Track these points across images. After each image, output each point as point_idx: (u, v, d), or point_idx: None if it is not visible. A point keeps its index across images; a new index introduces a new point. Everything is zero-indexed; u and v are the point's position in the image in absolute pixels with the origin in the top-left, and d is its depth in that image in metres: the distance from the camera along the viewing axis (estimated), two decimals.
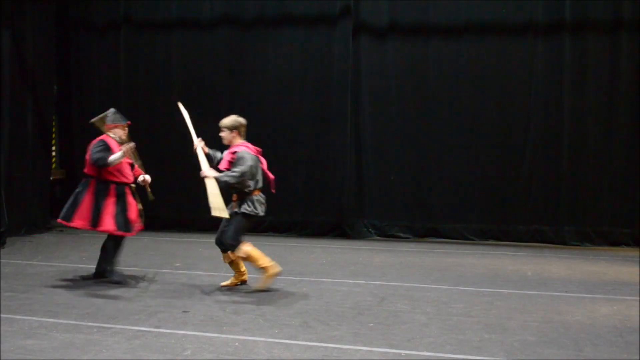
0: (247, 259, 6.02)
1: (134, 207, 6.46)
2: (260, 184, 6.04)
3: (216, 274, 6.88)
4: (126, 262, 7.56)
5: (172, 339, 4.62)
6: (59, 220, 6.36)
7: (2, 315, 5.10)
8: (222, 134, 6.16)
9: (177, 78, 10.28)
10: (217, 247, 6.25)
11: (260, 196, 6.05)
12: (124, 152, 6.14)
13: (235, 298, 5.89)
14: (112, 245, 6.40)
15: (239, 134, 6.14)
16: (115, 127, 6.45)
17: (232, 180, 5.86)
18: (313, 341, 4.62)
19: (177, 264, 7.50)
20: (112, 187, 6.31)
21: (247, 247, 5.99)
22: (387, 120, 9.71)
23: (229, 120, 6.18)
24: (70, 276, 6.72)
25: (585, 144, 9.21)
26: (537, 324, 5.12)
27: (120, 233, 6.28)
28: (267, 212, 10.37)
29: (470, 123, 9.49)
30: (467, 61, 9.46)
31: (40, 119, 9.87)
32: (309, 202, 9.82)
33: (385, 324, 5.09)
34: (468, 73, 9.46)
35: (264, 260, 6.04)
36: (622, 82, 9.07)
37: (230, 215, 6.01)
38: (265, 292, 6.12)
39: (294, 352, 4.39)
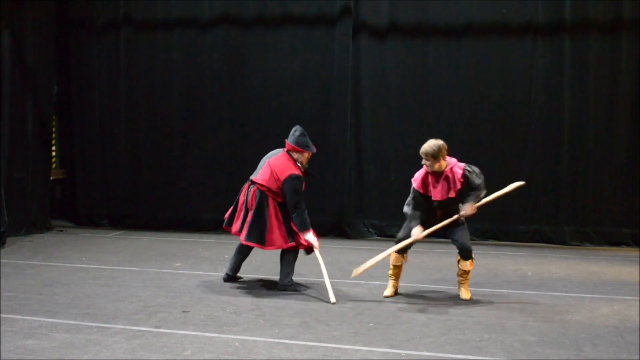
0: (466, 271, 5.94)
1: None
2: None
3: (216, 274, 6.90)
4: (126, 263, 7.58)
5: (172, 339, 4.62)
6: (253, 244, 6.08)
7: (2, 315, 5.11)
8: (425, 163, 5.75)
9: (177, 78, 10.27)
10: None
11: None
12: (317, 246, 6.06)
13: (235, 298, 5.89)
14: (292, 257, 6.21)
15: (444, 158, 5.77)
16: (302, 151, 6.05)
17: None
18: (313, 341, 4.63)
19: (177, 264, 7.50)
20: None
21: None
22: (387, 120, 9.71)
23: (431, 147, 5.70)
24: (70, 276, 6.72)
25: (585, 144, 9.21)
26: (537, 324, 5.12)
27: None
28: None
29: (470, 123, 9.49)
30: (467, 61, 9.45)
31: (40, 119, 9.86)
32: (309, 202, 9.76)
33: (385, 324, 5.09)
34: (468, 73, 9.45)
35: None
36: (622, 82, 9.06)
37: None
38: (265, 292, 6.13)
39: (294, 352, 4.39)
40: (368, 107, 9.77)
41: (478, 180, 5.79)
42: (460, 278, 6.01)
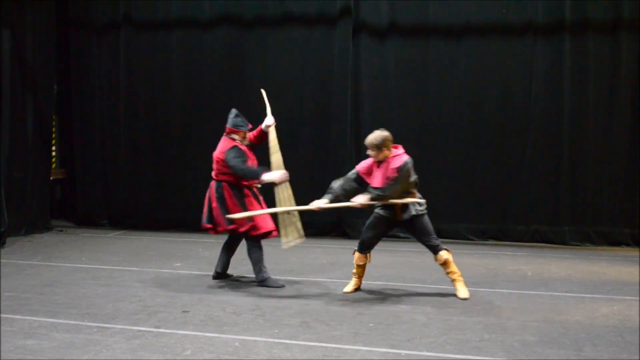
0: (446, 263, 5.97)
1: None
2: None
3: None
4: (126, 263, 7.58)
5: (172, 339, 4.62)
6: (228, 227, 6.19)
7: (2, 315, 5.11)
8: (370, 153, 5.92)
9: (177, 78, 10.28)
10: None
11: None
12: (280, 178, 6.08)
13: (235, 298, 5.89)
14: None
15: (388, 148, 5.91)
16: (239, 131, 6.30)
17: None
18: (313, 341, 4.63)
19: (177, 264, 7.50)
20: (246, 190, 6.28)
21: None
22: (387, 120, 9.62)
23: (375, 138, 5.87)
24: (70, 276, 6.72)
25: (585, 144, 9.21)
26: (537, 324, 5.12)
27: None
28: None
29: (470, 123, 9.48)
30: (467, 61, 9.45)
31: (40, 119, 9.86)
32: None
33: (385, 324, 5.09)
34: (468, 73, 9.45)
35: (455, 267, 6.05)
36: (622, 82, 9.06)
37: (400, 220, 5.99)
38: (265, 292, 6.13)
39: (294, 352, 4.39)
40: (368, 107, 9.76)
41: (397, 178, 5.81)
42: (449, 275, 6.02)
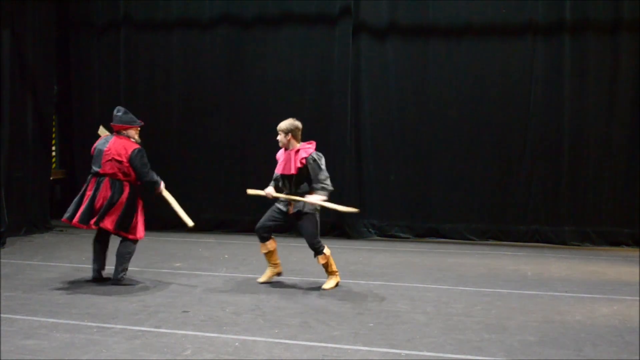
0: (325, 265, 6.15)
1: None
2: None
3: (216, 274, 6.90)
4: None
5: (172, 339, 4.62)
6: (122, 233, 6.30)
7: (2, 315, 5.10)
8: (278, 137, 6.19)
9: (177, 78, 10.28)
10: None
11: None
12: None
13: (235, 298, 5.89)
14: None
15: (295, 137, 6.15)
16: (130, 127, 6.29)
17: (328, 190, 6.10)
18: (313, 341, 4.62)
19: (177, 264, 7.50)
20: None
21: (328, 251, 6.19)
22: (387, 120, 9.71)
23: (286, 123, 6.16)
24: (70, 276, 6.72)
25: (585, 144, 9.22)
26: (537, 324, 5.12)
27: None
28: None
29: (470, 123, 9.49)
30: (467, 61, 9.46)
31: (40, 119, 9.86)
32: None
33: (385, 324, 5.09)
34: (468, 73, 9.46)
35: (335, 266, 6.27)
36: (622, 82, 9.07)
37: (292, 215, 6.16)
38: (265, 292, 6.13)
39: (294, 352, 4.38)
40: (368, 107, 9.77)
41: (319, 172, 6.04)
42: (328, 272, 6.23)
